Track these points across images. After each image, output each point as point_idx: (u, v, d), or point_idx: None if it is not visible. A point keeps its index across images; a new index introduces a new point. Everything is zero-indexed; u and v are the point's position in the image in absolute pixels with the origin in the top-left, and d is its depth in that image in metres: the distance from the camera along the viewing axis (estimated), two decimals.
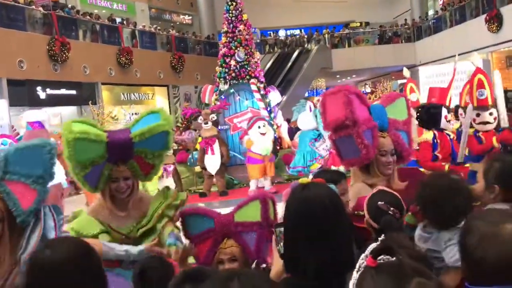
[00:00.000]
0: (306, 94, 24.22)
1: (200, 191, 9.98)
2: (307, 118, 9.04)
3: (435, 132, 5.06)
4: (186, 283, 1.47)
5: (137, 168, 2.70)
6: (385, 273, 1.04)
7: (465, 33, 18.28)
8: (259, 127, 9.41)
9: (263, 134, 9.35)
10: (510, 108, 15.44)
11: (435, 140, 5.05)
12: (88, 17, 17.87)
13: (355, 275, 1.09)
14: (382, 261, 1.06)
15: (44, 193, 2.20)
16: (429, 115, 5.14)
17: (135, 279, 2.14)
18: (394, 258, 1.06)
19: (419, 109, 5.27)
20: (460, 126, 6.77)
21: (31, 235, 2.08)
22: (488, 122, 5.33)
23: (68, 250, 1.60)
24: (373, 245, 1.09)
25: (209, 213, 2.63)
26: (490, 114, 5.35)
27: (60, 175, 7.56)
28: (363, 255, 1.09)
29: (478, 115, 5.49)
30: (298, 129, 12.36)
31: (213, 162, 9.59)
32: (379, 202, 2.21)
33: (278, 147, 10.66)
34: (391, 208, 2.19)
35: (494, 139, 5.24)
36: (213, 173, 9.71)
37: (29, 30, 15.04)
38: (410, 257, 1.10)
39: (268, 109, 11.20)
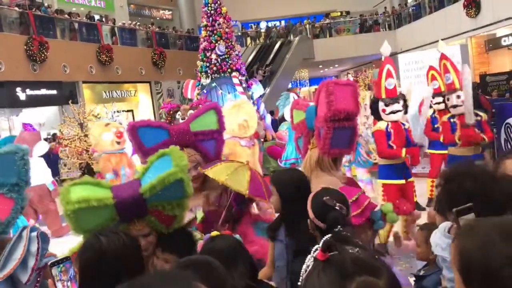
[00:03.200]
0: (290, 86, 24.22)
1: None
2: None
3: (389, 122, 5.11)
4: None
5: (156, 222, 2.33)
6: (331, 268, 0.96)
7: (444, 19, 18.42)
8: None
9: None
10: (488, 92, 15.65)
11: (388, 130, 5.10)
12: (65, 15, 17.62)
13: (304, 267, 1.04)
14: (331, 255, 0.98)
15: (21, 201, 2.12)
16: (373, 109, 5.31)
17: None
18: (342, 253, 0.98)
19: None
20: (434, 112, 6.86)
21: (10, 254, 1.99)
22: (457, 105, 5.45)
23: (123, 239, 1.83)
24: (325, 238, 1.04)
25: (163, 125, 2.79)
26: (458, 97, 5.46)
27: (44, 176, 7.52)
28: (314, 248, 1.04)
29: (448, 99, 5.59)
30: (281, 120, 12.37)
31: None
32: (325, 197, 2.12)
33: (262, 140, 10.66)
34: (337, 204, 2.10)
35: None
36: None
37: (5, 30, 14.79)
38: (360, 252, 1.03)
39: (251, 101, 11.18)
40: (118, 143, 7.50)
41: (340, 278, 0.94)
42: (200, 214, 2.98)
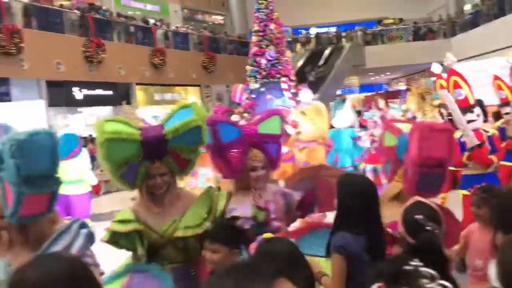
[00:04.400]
0: (339, 92, 23.97)
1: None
2: (346, 115, 8.88)
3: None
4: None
5: (173, 163, 2.67)
6: None
7: (503, 28, 17.68)
8: None
9: None
10: None
11: (461, 140, 4.94)
12: (122, 18, 18.23)
13: None
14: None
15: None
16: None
17: None
18: None
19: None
20: (503, 123, 6.57)
21: (54, 243, 1.96)
22: (472, 120, 5.09)
23: (54, 268, 1.32)
24: (384, 266, 0.98)
25: (236, 124, 2.97)
26: (472, 112, 5.10)
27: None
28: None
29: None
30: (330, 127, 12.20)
31: None
32: (416, 216, 2.05)
33: None
34: (429, 223, 2.01)
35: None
36: None
37: (66, 32, 15.46)
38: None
39: (270, 109, 11.12)
40: None
41: None
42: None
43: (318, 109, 7.74)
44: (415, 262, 0.97)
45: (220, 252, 2.30)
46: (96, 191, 11.45)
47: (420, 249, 1.85)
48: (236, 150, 2.81)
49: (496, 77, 6.70)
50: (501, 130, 6.35)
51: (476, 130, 4.97)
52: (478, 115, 5.02)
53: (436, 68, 5.30)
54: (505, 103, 6.47)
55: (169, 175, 2.67)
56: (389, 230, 2.55)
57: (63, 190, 6.75)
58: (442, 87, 5.16)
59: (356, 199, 2.25)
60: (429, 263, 1.14)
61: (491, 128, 5.59)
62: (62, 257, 1.36)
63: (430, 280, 0.95)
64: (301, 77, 17.52)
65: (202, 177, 6.62)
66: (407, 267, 0.96)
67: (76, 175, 6.73)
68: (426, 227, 1.98)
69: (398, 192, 2.98)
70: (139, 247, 2.57)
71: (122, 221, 2.61)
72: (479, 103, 5.32)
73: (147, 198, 2.69)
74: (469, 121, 4.92)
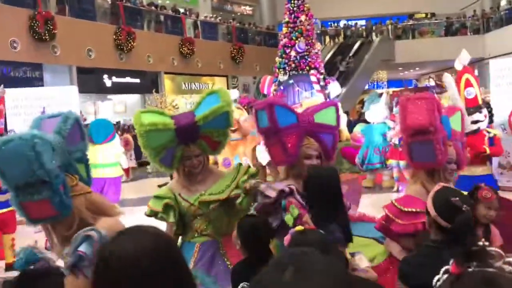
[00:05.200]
0: (366, 87, 23.70)
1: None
2: (380, 110, 8.77)
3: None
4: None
5: (206, 146, 2.97)
6: (472, 285, 0.91)
7: None
8: None
9: None
10: None
11: None
12: (152, 7, 18.37)
13: (434, 280, 0.99)
14: (469, 269, 0.93)
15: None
16: None
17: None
18: (482, 267, 0.92)
19: None
20: None
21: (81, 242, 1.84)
22: (478, 120, 5.06)
23: (142, 241, 1.29)
24: (459, 249, 0.98)
25: (293, 109, 2.93)
26: (480, 112, 5.06)
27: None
28: (450, 263, 0.98)
29: (468, 114, 5.18)
30: (356, 121, 12.11)
31: (263, 153, 9.54)
32: (452, 198, 2.03)
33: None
34: (464, 205, 2.00)
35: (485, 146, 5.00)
36: (264, 163, 9.68)
37: (98, 20, 15.68)
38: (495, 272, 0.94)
39: (328, 100, 11.08)
40: (233, 131, 6.74)
41: None
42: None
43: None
44: (482, 242, 0.97)
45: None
46: (127, 174, 11.73)
47: (457, 231, 1.88)
48: (292, 135, 2.81)
49: None
50: None
51: (480, 131, 4.97)
52: (485, 116, 5.02)
53: (458, 64, 5.26)
54: None
55: (203, 155, 2.97)
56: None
57: (99, 173, 6.83)
58: (469, 83, 5.11)
59: (325, 190, 2.46)
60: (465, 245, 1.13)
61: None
62: (150, 230, 1.33)
63: (498, 258, 0.95)
64: (330, 69, 17.36)
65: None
66: (475, 248, 0.96)
67: (113, 158, 7.02)
68: (463, 209, 1.98)
69: (414, 171, 3.08)
70: (171, 216, 2.91)
71: (157, 197, 2.98)
72: (487, 105, 5.31)
73: (184, 177, 3.00)
74: (476, 121, 4.93)
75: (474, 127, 4.96)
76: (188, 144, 2.89)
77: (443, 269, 0.99)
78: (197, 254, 2.93)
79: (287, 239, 2.01)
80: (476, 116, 4.95)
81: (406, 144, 2.99)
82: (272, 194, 2.59)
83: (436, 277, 1.00)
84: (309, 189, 2.52)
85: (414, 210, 2.73)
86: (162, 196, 2.98)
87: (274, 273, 0.88)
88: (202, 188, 2.97)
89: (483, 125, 5.06)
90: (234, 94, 8.46)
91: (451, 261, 0.98)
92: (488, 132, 5.16)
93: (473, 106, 4.93)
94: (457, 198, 2.03)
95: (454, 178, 3.21)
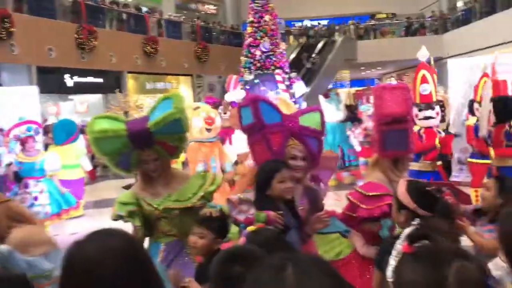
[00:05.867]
0: (330, 86, 24.02)
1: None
2: (339, 110, 8.93)
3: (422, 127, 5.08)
4: (235, 264, 1.43)
5: (162, 150, 2.94)
6: (423, 258, 1.00)
7: (495, 25, 17.82)
8: None
9: None
10: None
11: (420, 134, 5.03)
12: (115, 5, 18.04)
13: (391, 262, 1.06)
14: (418, 246, 1.03)
15: None
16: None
17: None
18: (430, 243, 1.03)
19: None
20: (477, 121, 6.67)
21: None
22: (430, 117, 5.21)
23: (111, 242, 1.32)
24: (407, 231, 1.07)
25: (277, 108, 2.92)
26: (432, 109, 5.24)
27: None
28: (398, 241, 1.07)
29: (420, 110, 5.37)
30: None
31: (231, 153, 9.56)
32: (428, 188, 2.14)
33: None
34: (437, 193, 2.13)
35: (436, 139, 5.18)
36: (238, 152, 9.66)
37: (58, 18, 15.27)
38: (449, 240, 1.06)
39: (293, 100, 11.16)
40: (209, 130, 6.51)
41: (437, 266, 0.97)
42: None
43: (286, 102, 7.65)
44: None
45: (206, 238, 2.44)
46: (92, 177, 11.47)
47: (438, 217, 1.98)
48: (277, 133, 2.81)
49: (485, 75, 6.73)
50: (476, 128, 6.49)
51: (430, 128, 5.11)
52: (437, 114, 5.16)
53: (423, 54, 5.46)
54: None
55: (161, 160, 2.96)
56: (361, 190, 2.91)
57: (61, 175, 6.67)
58: (425, 79, 5.27)
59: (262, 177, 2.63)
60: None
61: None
62: (117, 233, 1.36)
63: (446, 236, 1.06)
64: (295, 67, 17.49)
65: (214, 169, 6.53)
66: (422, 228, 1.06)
67: (74, 160, 6.82)
68: (440, 198, 2.12)
69: (375, 160, 3.14)
70: (136, 220, 2.93)
71: (121, 203, 2.98)
72: (440, 103, 5.47)
73: (145, 181, 3.01)
74: (427, 117, 5.06)
75: (425, 123, 5.09)
76: (143, 148, 2.89)
77: (394, 252, 1.06)
78: (162, 253, 2.98)
79: (241, 241, 2.04)
80: (429, 113, 5.08)
81: (380, 132, 3.01)
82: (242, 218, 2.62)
83: (391, 258, 1.07)
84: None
85: (378, 193, 2.80)
86: (125, 202, 2.98)
87: (273, 272, 0.89)
88: (165, 191, 2.98)
89: (435, 122, 5.20)
90: (240, 94, 8.28)
91: (400, 242, 1.06)
92: (439, 132, 5.31)
93: (425, 103, 5.06)
94: (434, 187, 2.16)
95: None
